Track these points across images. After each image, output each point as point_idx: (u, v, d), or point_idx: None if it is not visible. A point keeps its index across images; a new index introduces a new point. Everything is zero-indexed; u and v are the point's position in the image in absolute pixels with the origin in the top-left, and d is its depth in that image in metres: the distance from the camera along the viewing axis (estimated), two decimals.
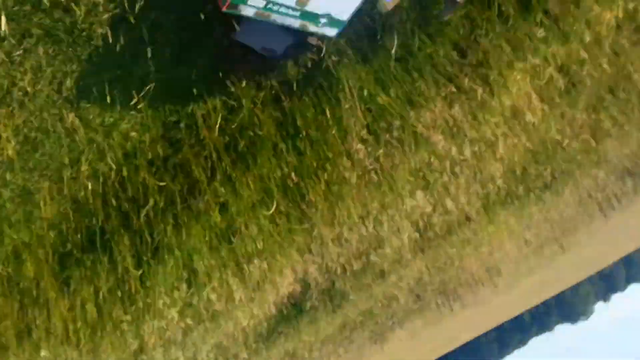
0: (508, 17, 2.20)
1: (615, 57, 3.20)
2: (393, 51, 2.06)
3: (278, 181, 2.50)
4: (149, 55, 1.61)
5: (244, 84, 1.94)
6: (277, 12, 1.58)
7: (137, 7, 1.54)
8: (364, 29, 2.05)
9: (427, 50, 2.21)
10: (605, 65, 2.87)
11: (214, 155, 2.23)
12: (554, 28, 2.37)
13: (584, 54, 2.65)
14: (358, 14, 1.97)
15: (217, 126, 2.06)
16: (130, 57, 1.65)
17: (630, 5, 2.44)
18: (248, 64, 1.91)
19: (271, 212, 2.65)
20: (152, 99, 1.84)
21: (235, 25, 1.68)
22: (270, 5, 1.53)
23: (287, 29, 1.83)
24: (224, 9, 1.45)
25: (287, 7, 1.58)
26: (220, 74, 1.86)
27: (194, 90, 1.90)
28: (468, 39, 2.24)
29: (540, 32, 2.31)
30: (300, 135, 2.28)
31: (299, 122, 2.23)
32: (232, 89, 1.96)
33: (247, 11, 1.51)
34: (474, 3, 2.13)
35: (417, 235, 4.12)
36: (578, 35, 2.49)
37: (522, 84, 2.63)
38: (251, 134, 2.19)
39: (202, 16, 1.61)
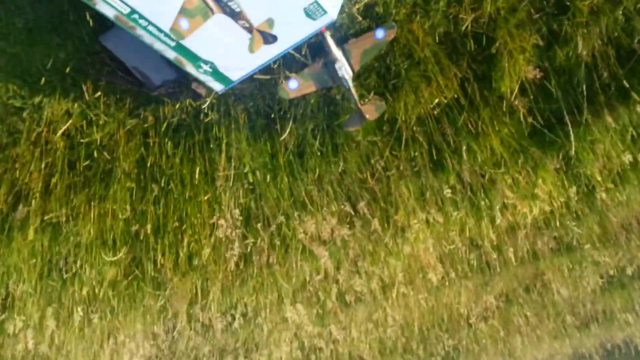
0: (418, 163, 2.05)
1: (533, 257, 3.08)
2: (283, 137, 1.86)
3: (129, 226, 2.19)
4: None
5: (98, 94, 1.70)
6: (145, 29, 1.38)
7: None
8: (263, 106, 1.88)
9: (329, 157, 2.03)
10: (511, 256, 2.71)
11: (56, 166, 1.94)
12: (465, 195, 2.23)
13: (492, 236, 2.50)
14: (259, 86, 1.81)
15: (62, 132, 1.79)
16: None
17: (547, 208, 2.33)
18: (115, 79, 1.69)
19: (116, 259, 2.31)
20: None
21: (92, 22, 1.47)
22: (135, 16, 1.34)
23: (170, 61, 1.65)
24: None
25: (159, 29, 1.39)
26: (68, 71, 1.63)
27: (44, 80, 1.66)
28: (373, 167, 2.07)
29: (448, 192, 2.16)
30: (162, 186, 2.01)
31: (165, 171, 1.98)
32: (87, 98, 1.72)
33: (104, 9, 1.31)
34: (384, 135, 1.98)
35: (300, 354, 3.72)
36: (489, 215, 2.35)
37: (424, 238, 2.44)
38: (104, 158, 1.92)
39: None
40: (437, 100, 1.86)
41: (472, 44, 1.80)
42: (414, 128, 1.94)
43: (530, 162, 2.12)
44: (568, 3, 1.71)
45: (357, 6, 1.63)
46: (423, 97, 1.86)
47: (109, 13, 1.32)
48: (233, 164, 1.91)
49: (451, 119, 1.94)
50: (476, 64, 1.84)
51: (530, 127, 1.99)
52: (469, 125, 1.96)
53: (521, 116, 1.96)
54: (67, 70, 1.66)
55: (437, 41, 1.78)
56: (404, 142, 1.97)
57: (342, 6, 1.63)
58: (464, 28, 1.74)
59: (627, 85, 1.84)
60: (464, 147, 2.01)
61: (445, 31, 1.77)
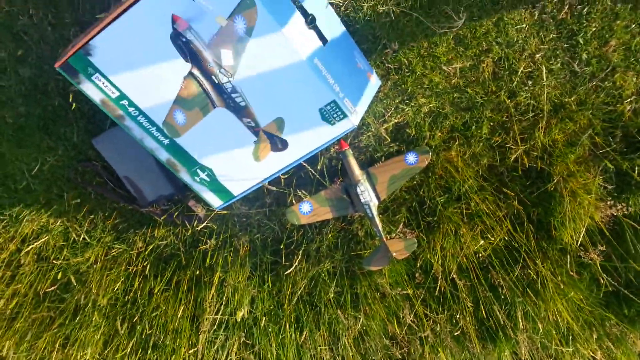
0: (460, 326, 1.62)
1: None
2: (288, 272, 1.52)
3: None
4: None
5: (84, 209, 1.46)
6: (135, 120, 1.19)
7: None
8: (272, 238, 1.58)
9: (347, 310, 1.64)
10: None
11: (23, 294, 1.64)
12: None
13: None
14: (269, 214, 1.55)
15: (35, 251, 1.53)
16: None
17: None
18: (106, 192, 1.46)
19: None
20: None
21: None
22: (124, 103, 1.16)
23: (169, 174, 1.44)
24: (57, 66, 1.10)
25: (151, 122, 1.20)
26: (55, 180, 1.43)
27: (27, 188, 1.46)
28: (401, 326, 1.65)
29: None
30: (141, 331, 1.64)
31: (147, 311, 1.63)
32: (72, 213, 1.49)
33: (90, 90, 1.14)
34: (416, 285, 1.60)
35: None
36: None
37: None
38: (78, 289, 1.61)
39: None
40: (481, 245, 1.52)
41: (523, 180, 1.52)
42: (454, 279, 1.56)
43: (607, 339, 1.64)
44: (639, 137, 1.45)
45: (385, 126, 1.42)
46: (465, 240, 1.52)
47: (95, 96, 1.15)
48: (224, 307, 1.55)
49: (500, 271, 1.56)
50: (529, 205, 1.52)
51: (605, 288, 1.57)
52: (525, 282, 1.56)
53: (592, 274, 1.56)
54: (54, 178, 1.46)
55: (481, 174, 1.51)
56: (441, 296, 1.57)
57: (368, 125, 1.43)
58: (512, 160, 1.48)
59: None
60: (520, 312, 1.58)
61: (489, 163, 1.50)
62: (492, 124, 1.44)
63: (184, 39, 1.04)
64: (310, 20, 1.11)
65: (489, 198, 1.51)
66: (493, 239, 1.52)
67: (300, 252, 1.54)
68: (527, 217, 1.53)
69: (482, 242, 1.51)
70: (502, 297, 1.58)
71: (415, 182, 1.51)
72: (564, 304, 1.58)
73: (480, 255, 1.54)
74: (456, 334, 1.60)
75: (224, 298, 1.55)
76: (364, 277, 1.60)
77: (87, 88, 1.13)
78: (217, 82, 1.13)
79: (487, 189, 1.52)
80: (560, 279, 1.57)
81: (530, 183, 1.52)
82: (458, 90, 1.39)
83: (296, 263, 1.50)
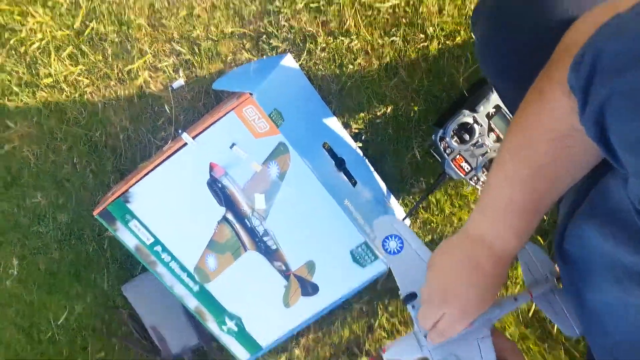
0: None
1: None
2: None
3: None
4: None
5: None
6: (167, 266, 1.20)
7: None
8: None
9: None
10: None
11: None
12: None
13: None
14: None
15: None
16: None
17: None
18: (131, 342, 1.41)
19: None
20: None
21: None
22: (158, 249, 1.17)
23: (196, 324, 1.39)
24: (95, 214, 1.14)
25: (183, 268, 1.20)
26: (80, 330, 1.39)
27: (51, 338, 1.42)
28: None
29: None
30: None
31: None
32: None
33: (126, 237, 1.16)
34: None
35: None
36: None
37: None
38: None
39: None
40: None
41: None
42: None
43: None
44: None
45: None
46: None
47: (130, 242, 1.17)
48: None
49: None
50: (578, 356, 1.40)
51: None
52: None
53: None
54: (80, 328, 1.43)
55: (521, 320, 1.42)
56: None
57: None
58: None
59: None
60: None
61: (530, 308, 1.43)
62: None
63: (219, 185, 1.09)
64: (340, 163, 1.15)
65: (532, 348, 1.40)
66: None
67: None
68: None
69: None
70: None
71: None
72: None
73: None
74: None
75: None
76: None
77: (123, 234, 1.16)
78: (249, 225, 1.15)
79: (529, 337, 1.42)
80: None
81: None
82: None
83: None
